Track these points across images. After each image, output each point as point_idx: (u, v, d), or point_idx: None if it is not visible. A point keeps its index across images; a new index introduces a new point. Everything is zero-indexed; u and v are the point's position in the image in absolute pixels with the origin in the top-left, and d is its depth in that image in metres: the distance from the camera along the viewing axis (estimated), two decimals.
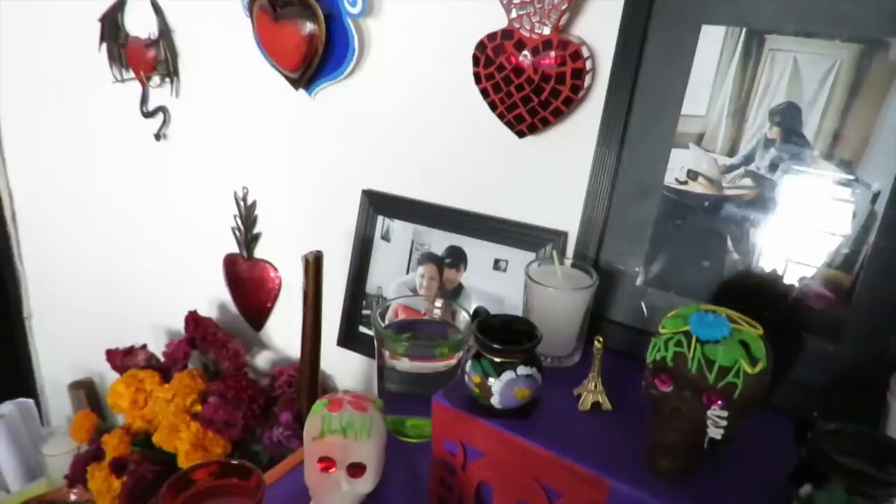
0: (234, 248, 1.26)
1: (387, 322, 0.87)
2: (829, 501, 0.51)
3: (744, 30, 0.68)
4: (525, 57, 0.79)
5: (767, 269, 0.69)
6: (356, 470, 0.69)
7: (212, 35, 1.15)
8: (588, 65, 0.78)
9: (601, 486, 0.58)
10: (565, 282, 0.74)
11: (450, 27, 0.89)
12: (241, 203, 1.21)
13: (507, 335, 0.66)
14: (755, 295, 0.70)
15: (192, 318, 1.25)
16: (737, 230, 0.70)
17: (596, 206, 0.78)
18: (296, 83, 1.03)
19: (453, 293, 0.97)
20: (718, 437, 0.55)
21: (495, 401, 0.64)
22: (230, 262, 1.28)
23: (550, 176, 0.87)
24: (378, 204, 1.03)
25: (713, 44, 0.70)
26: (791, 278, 0.68)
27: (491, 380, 0.64)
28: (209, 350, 1.23)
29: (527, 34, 0.79)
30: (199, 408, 1.13)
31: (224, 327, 1.27)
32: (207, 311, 1.33)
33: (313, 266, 0.94)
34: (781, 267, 0.68)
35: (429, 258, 0.99)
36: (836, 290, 0.65)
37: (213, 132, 1.22)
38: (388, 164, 1.02)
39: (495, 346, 0.64)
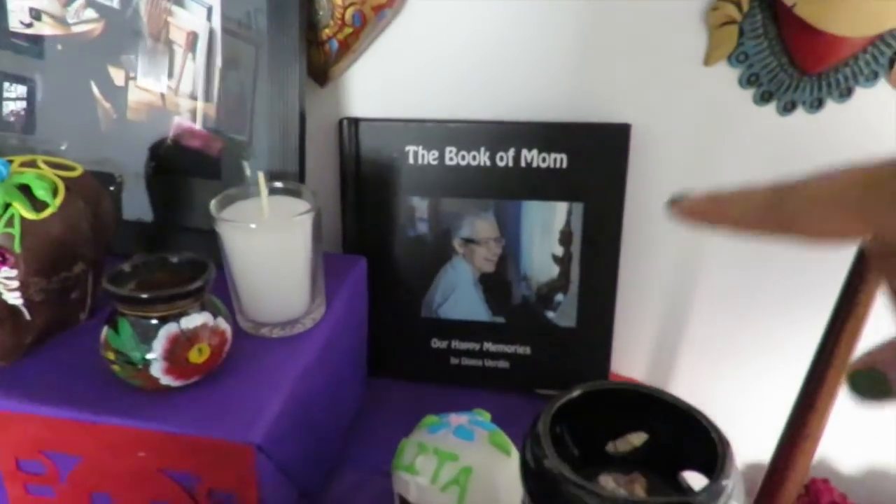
0: None
1: None
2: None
3: None
4: None
5: (139, 114, 0.61)
6: None
7: None
8: None
9: None
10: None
11: None
12: None
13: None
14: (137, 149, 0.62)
15: None
16: (99, 74, 0.61)
17: None
18: None
19: None
20: (18, 303, 0.47)
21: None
22: None
23: None
24: None
25: None
26: (165, 117, 0.61)
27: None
28: None
29: None
30: None
31: None
32: None
33: None
34: (151, 109, 0.61)
35: None
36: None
37: None
38: None
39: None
